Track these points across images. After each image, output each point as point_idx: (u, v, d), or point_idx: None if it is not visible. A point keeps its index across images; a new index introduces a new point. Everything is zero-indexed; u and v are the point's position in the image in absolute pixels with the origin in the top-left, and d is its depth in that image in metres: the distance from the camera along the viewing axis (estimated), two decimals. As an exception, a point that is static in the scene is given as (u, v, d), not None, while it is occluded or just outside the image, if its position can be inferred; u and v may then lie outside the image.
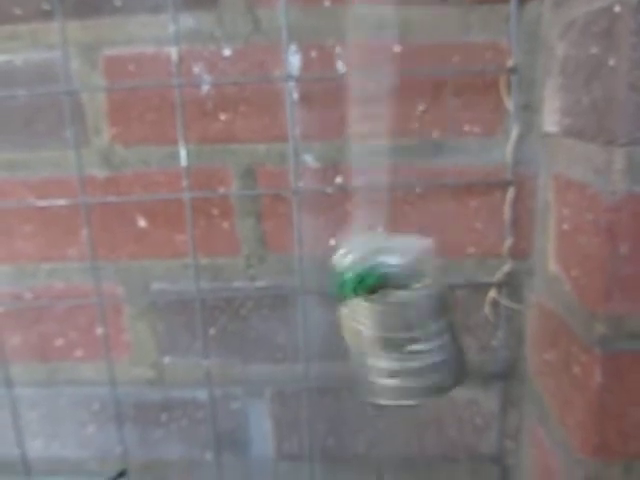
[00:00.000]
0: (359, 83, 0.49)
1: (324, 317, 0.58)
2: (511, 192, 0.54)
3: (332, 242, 0.57)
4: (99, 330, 0.61)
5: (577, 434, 0.45)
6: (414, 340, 0.43)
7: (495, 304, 0.57)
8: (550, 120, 0.49)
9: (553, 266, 0.50)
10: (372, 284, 0.43)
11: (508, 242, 0.55)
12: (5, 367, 0.62)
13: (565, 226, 0.47)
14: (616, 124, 0.37)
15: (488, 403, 0.60)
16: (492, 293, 0.57)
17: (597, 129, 0.40)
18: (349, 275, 0.43)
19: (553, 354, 0.50)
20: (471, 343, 0.59)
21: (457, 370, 0.46)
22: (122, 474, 0.64)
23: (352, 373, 0.46)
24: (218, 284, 0.60)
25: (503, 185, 0.54)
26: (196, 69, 0.53)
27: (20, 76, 0.55)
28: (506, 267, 0.55)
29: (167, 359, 0.62)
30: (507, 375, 0.59)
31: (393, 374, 0.43)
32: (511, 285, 0.56)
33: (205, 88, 0.54)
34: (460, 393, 0.60)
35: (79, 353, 0.63)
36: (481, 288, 0.57)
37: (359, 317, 0.44)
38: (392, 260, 0.44)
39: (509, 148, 0.52)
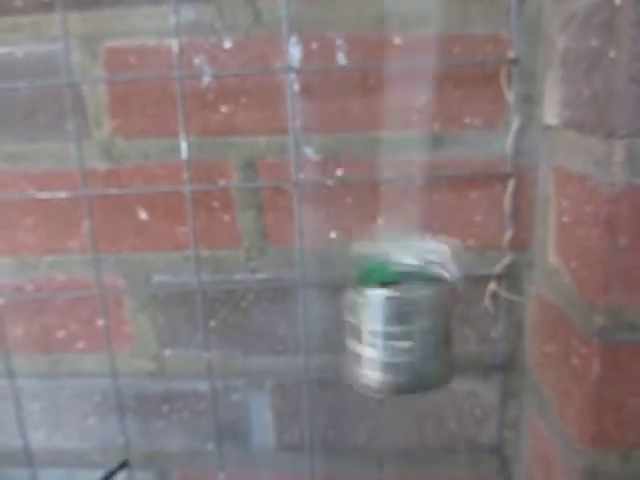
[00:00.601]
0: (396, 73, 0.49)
1: (324, 309, 0.58)
2: (511, 184, 0.54)
3: (332, 235, 0.58)
4: (100, 322, 0.61)
5: (576, 424, 0.46)
6: (408, 337, 0.45)
7: (495, 296, 0.57)
8: (550, 112, 0.49)
9: (553, 258, 0.50)
10: (382, 279, 0.45)
11: (508, 234, 0.55)
12: (7, 358, 0.62)
13: (565, 218, 0.48)
14: (616, 116, 0.37)
15: (488, 394, 0.60)
16: (492, 285, 0.57)
17: (597, 121, 0.40)
18: (367, 266, 0.45)
19: (552, 346, 0.51)
20: (471, 335, 0.59)
21: (445, 371, 0.47)
22: (124, 465, 0.65)
23: (346, 365, 0.48)
24: (219, 276, 0.60)
25: (503, 177, 0.54)
26: (197, 61, 0.53)
27: (21, 68, 0.55)
28: (506, 259, 0.55)
29: (168, 351, 0.63)
30: (507, 367, 0.59)
31: (384, 368, 0.45)
32: (511, 277, 0.56)
33: (206, 80, 0.54)
34: (460, 385, 0.60)
35: (81, 345, 0.63)
36: (481, 280, 0.57)
37: (364, 308, 0.45)
38: (410, 260, 0.45)
39: (509, 140, 0.52)
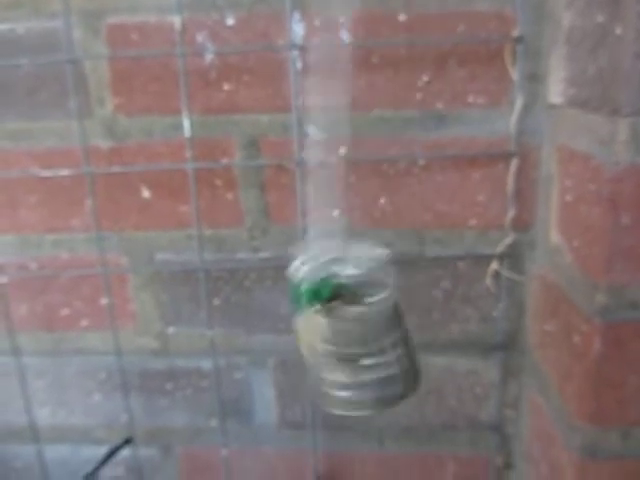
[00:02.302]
0: (316, 54, 0.47)
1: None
2: (514, 164, 0.53)
3: (335, 214, 0.58)
4: (104, 300, 0.62)
5: (576, 402, 0.46)
6: (368, 354, 0.43)
7: (496, 276, 0.57)
8: (555, 90, 0.49)
9: (555, 237, 0.50)
10: (327, 295, 0.42)
11: (510, 214, 0.55)
12: (12, 336, 0.63)
13: (568, 197, 0.48)
14: (621, 93, 0.37)
15: (488, 373, 0.61)
16: (494, 265, 0.57)
17: (602, 99, 0.40)
18: (304, 286, 0.42)
19: (553, 324, 0.51)
20: (472, 314, 0.59)
21: (410, 380, 0.45)
22: (128, 441, 0.65)
23: (309, 383, 0.46)
24: (222, 255, 0.60)
25: (506, 157, 0.54)
26: (199, 38, 0.53)
27: (22, 45, 0.54)
28: (508, 239, 0.56)
29: (171, 329, 0.63)
30: (507, 346, 0.59)
31: (346, 387, 0.43)
32: (513, 257, 0.57)
33: (208, 58, 0.54)
34: (461, 363, 0.61)
35: (84, 323, 0.64)
36: (483, 260, 0.57)
37: (314, 330, 0.44)
38: (347, 270, 0.43)
39: (513, 119, 0.52)
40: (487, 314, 0.59)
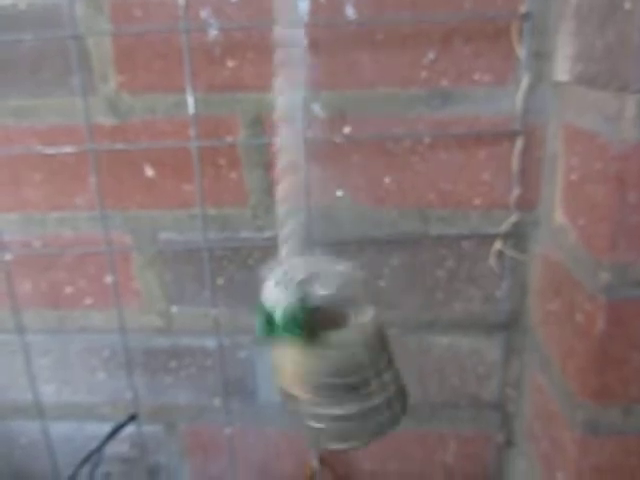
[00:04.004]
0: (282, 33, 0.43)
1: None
2: (519, 142, 0.53)
3: (339, 193, 0.57)
4: (108, 279, 0.62)
5: (578, 379, 0.46)
6: (353, 386, 0.39)
7: (500, 255, 0.57)
8: (562, 68, 0.49)
9: (559, 216, 0.50)
10: (304, 320, 0.38)
11: (515, 193, 0.55)
12: (17, 314, 0.63)
13: (573, 176, 0.47)
14: (629, 69, 0.37)
15: (491, 352, 0.61)
16: (497, 244, 0.57)
17: (609, 75, 0.39)
18: (279, 312, 0.38)
19: (557, 303, 0.51)
20: (475, 294, 0.59)
21: (398, 408, 0.42)
22: (132, 418, 0.66)
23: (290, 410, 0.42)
24: (225, 234, 0.60)
25: (511, 135, 0.53)
26: (203, 14, 0.52)
27: (24, 20, 0.54)
28: (512, 218, 0.56)
29: (175, 308, 0.63)
30: (510, 325, 0.60)
31: (332, 419, 0.39)
32: (517, 236, 0.57)
33: (212, 34, 0.53)
34: (464, 343, 0.61)
35: (89, 301, 0.64)
36: (487, 239, 0.57)
37: (292, 361, 0.40)
38: (322, 290, 0.39)
39: (519, 97, 0.52)
40: (490, 293, 0.59)
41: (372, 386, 0.40)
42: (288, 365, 0.41)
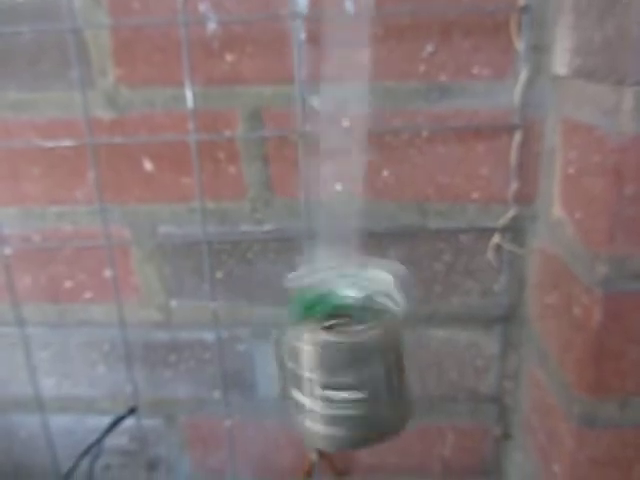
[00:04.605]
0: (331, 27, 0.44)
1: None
2: (518, 136, 0.53)
3: (338, 187, 0.57)
4: (107, 272, 0.62)
5: (575, 372, 0.46)
6: (353, 385, 0.38)
7: (498, 249, 0.58)
8: (560, 61, 0.49)
9: (557, 210, 0.50)
10: (321, 313, 0.39)
11: (513, 187, 0.55)
12: (17, 307, 0.63)
13: (571, 170, 0.48)
14: (628, 62, 0.37)
15: (488, 346, 0.61)
16: (496, 238, 0.57)
17: (608, 68, 0.40)
18: (300, 298, 0.39)
19: (554, 297, 0.51)
20: (473, 287, 0.59)
21: (399, 415, 0.41)
22: (132, 411, 0.66)
23: (291, 410, 0.42)
24: (224, 228, 0.60)
25: (510, 129, 0.54)
26: (202, 7, 0.52)
27: (23, 13, 0.54)
28: (510, 212, 0.56)
29: (175, 301, 0.64)
30: (508, 319, 0.60)
31: (327, 420, 0.39)
32: (515, 230, 0.57)
33: (211, 28, 0.53)
34: (462, 336, 0.61)
35: (88, 295, 0.64)
36: (485, 233, 0.57)
37: (299, 351, 0.40)
38: (351, 292, 0.40)
39: (517, 91, 0.52)
40: (488, 287, 0.59)
41: (378, 392, 0.39)
42: (304, 356, 0.40)
